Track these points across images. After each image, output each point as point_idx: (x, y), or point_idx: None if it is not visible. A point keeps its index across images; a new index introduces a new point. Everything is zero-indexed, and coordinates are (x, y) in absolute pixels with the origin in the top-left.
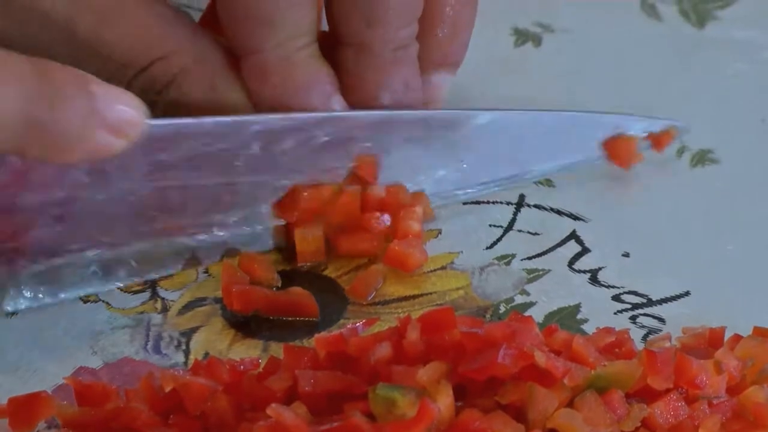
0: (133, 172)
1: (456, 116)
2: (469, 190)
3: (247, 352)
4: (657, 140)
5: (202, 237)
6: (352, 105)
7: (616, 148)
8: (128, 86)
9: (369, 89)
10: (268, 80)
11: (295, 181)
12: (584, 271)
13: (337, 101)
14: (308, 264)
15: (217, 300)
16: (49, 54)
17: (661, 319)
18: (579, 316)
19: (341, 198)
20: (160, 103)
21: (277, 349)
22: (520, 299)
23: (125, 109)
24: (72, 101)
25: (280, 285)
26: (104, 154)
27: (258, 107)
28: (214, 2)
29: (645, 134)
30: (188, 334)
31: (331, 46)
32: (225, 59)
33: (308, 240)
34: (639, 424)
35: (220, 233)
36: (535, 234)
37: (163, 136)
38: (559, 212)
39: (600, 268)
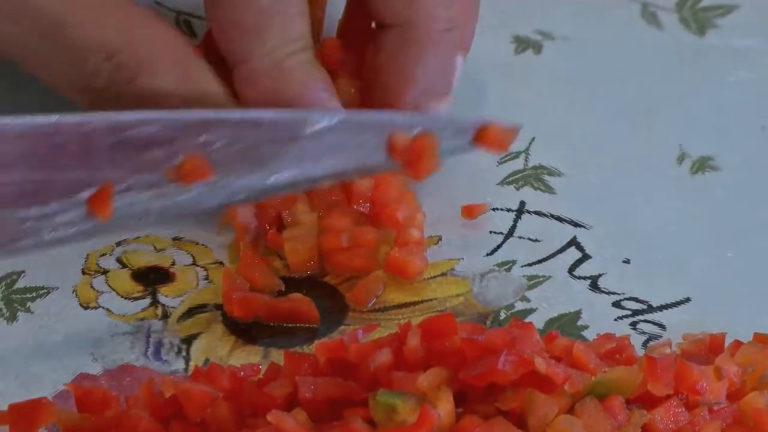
0: None
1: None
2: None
3: (248, 358)
4: (485, 138)
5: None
6: (388, 89)
7: (408, 152)
8: (95, 73)
9: (403, 68)
10: (259, 88)
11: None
12: (585, 278)
13: (332, 107)
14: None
15: (218, 307)
16: (35, 51)
17: (661, 326)
18: (579, 323)
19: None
20: (130, 94)
21: (278, 356)
22: (520, 306)
23: None
24: None
25: (283, 289)
26: None
27: None
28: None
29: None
30: (189, 340)
31: (370, 36)
32: (212, 75)
33: (299, 251)
34: (639, 431)
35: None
36: (536, 240)
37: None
38: (559, 219)
39: (600, 275)
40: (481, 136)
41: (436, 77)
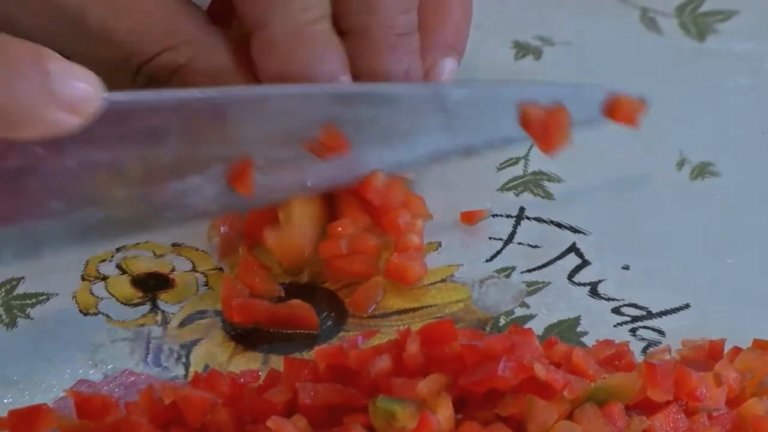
0: (92, 144)
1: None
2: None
3: (247, 364)
4: (615, 110)
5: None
6: None
7: (541, 126)
8: (136, 75)
9: (370, 76)
10: (276, 55)
11: (252, 152)
12: (584, 284)
13: (345, 81)
14: (307, 275)
15: (218, 313)
16: (60, 42)
17: (660, 332)
18: (579, 329)
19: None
20: (160, 73)
21: (278, 362)
22: (520, 312)
23: (81, 86)
24: (27, 78)
25: (283, 295)
26: (60, 131)
27: (262, 80)
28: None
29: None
30: (188, 346)
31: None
32: (230, 51)
33: (285, 249)
34: None
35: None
36: (535, 247)
37: (120, 111)
38: (559, 225)
39: (600, 281)
40: (612, 108)
41: (400, 81)
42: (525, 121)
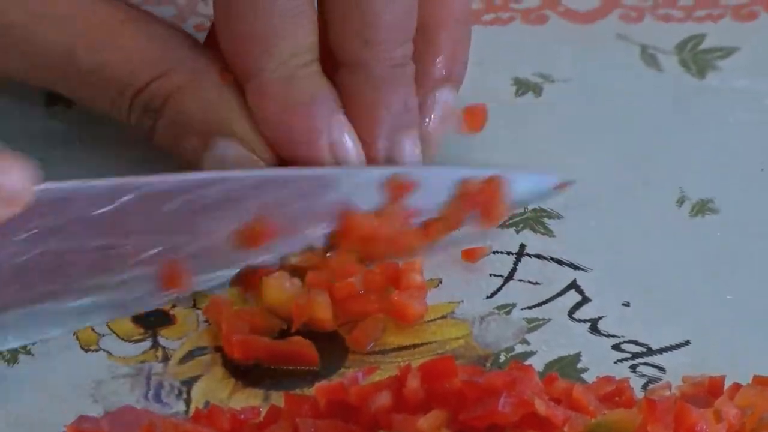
0: (16, 236)
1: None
2: None
3: (248, 401)
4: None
5: (85, 300)
6: (359, 129)
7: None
8: (130, 108)
9: (367, 109)
10: (273, 101)
11: (183, 242)
12: (584, 321)
13: (339, 119)
14: None
15: (218, 349)
16: (51, 84)
17: (661, 368)
18: (579, 365)
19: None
20: (159, 126)
21: (278, 398)
22: (520, 348)
23: (15, 179)
24: None
25: (285, 328)
26: None
27: (261, 127)
28: (214, 27)
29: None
30: (189, 382)
31: (330, 70)
32: (221, 75)
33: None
34: None
35: (102, 296)
36: (536, 283)
37: (50, 201)
38: (559, 262)
39: (600, 318)
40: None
41: (399, 113)
42: (464, 196)
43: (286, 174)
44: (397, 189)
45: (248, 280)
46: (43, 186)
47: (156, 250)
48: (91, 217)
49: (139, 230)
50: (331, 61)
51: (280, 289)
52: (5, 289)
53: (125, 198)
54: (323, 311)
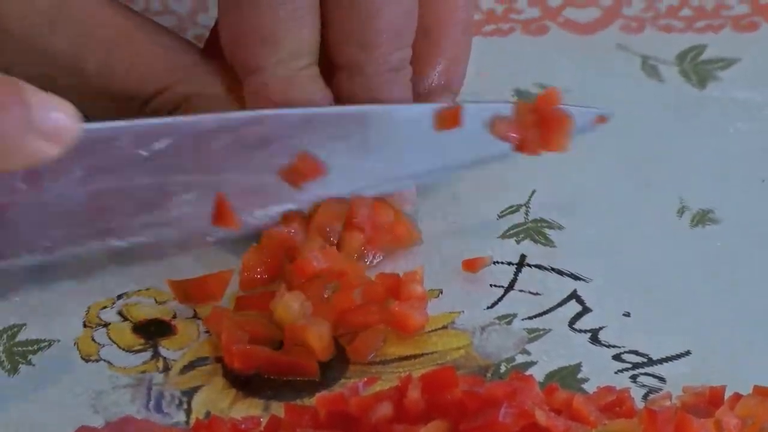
0: (69, 175)
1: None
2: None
3: (249, 411)
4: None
5: (137, 239)
6: None
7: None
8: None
9: None
10: (270, 99)
11: (229, 180)
12: (585, 331)
13: None
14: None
15: (218, 359)
16: (59, 91)
17: (661, 379)
18: (580, 376)
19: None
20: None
21: (278, 409)
22: (521, 358)
23: (60, 117)
24: (7, 111)
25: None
26: (40, 160)
27: None
28: (215, 29)
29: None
30: (190, 393)
31: (328, 72)
32: (227, 86)
33: (318, 336)
34: None
35: (151, 235)
36: (536, 294)
37: (97, 139)
38: (560, 272)
39: (601, 328)
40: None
41: None
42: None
43: (329, 111)
44: (444, 122)
45: (257, 302)
46: (88, 125)
47: (204, 188)
48: (138, 156)
49: (187, 168)
50: (329, 64)
51: (288, 309)
52: (54, 229)
53: (171, 137)
54: (316, 341)
